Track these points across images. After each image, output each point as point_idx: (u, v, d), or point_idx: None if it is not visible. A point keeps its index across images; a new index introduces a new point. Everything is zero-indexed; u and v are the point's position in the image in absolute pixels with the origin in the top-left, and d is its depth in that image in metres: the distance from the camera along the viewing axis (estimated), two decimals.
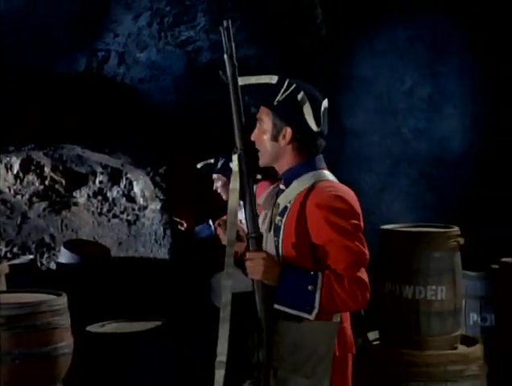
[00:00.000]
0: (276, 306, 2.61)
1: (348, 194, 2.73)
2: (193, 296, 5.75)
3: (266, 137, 2.83)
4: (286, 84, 2.75)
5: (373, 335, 4.23)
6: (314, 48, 5.93)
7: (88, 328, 3.61)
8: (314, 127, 2.74)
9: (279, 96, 2.75)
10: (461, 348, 4.10)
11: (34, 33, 5.32)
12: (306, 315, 2.61)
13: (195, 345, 4.76)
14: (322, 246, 2.66)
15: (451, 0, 6.46)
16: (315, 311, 2.60)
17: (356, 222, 2.68)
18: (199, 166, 5.10)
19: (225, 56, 2.69)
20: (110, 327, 3.76)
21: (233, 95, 2.68)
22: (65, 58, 5.45)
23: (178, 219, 5.46)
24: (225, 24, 2.66)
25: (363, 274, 2.64)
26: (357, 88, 6.46)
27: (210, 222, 5.24)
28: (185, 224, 5.43)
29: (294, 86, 2.73)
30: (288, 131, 2.77)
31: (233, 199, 2.64)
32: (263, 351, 2.60)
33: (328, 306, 2.61)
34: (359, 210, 2.73)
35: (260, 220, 2.83)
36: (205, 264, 5.70)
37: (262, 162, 2.88)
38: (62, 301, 3.14)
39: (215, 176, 5.07)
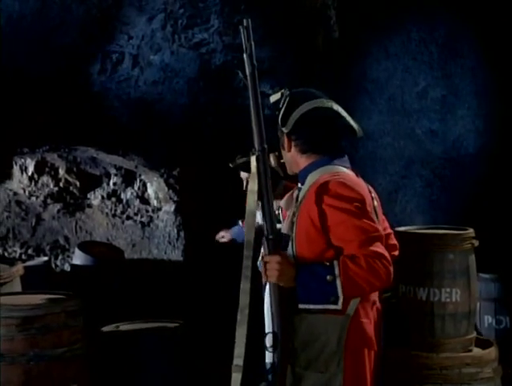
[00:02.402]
0: (301, 306, 2.60)
1: (351, 180, 2.73)
2: (207, 298, 5.76)
3: (282, 148, 2.91)
4: (285, 95, 2.80)
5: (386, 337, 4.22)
6: (327, 50, 5.92)
7: (102, 329, 3.61)
8: (283, 128, 2.78)
9: (280, 107, 2.81)
10: (476, 351, 4.08)
11: (47, 36, 5.35)
12: (333, 307, 2.60)
13: (208, 347, 4.77)
14: (332, 231, 2.66)
15: (464, 2, 6.45)
16: (341, 300, 2.59)
17: (359, 205, 2.67)
18: (232, 164, 4.98)
19: (245, 56, 2.68)
20: (124, 328, 3.77)
21: (252, 95, 2.66)
22: (79, 60, 5.47)
23: (220, 236, 5.17)
24: (244, 23, 2.65)
25: (379, 248, 2.62)
26: (371, 89, 6.46)
27: (240, 223, 5.12)
28: (225, 235, 5.17)
29: (288, 97, 2.78)
30: (285, 140, 2.84)
31: (251, 200, 2.64)
32: (278, 353, 2.60)
33: (352, 291, 2.60)
34: (365, 195, 2.72)
35: (286, 223, 2.85)
36: (219, 265, 5.70)
37: (288, 171, 2.95)
38: (76, 302, 3.15)
39: (246, 175, 4.97)
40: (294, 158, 2.85)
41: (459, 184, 6.60)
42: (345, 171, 2.80)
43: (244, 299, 2.56)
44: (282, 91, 2.85)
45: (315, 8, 5.78)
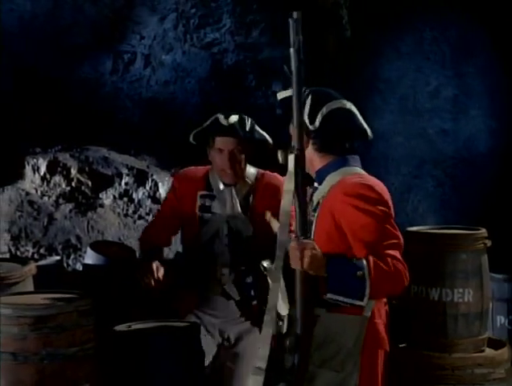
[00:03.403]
0: (329, 296, 2.59)
1: (378, 184, 2.75)
2: None
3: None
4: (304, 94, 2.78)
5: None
6: (339, 49, 5.92)
7: (114, 329, 3.62)
8: (310, 126, 2.76)
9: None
10: (488, 351, 4.07)
11: (59, 36, 5.37)
12: (358, 302, 2.60)
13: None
14: (355, 233, 2.66)
15: (476, 1, 6.43)
16: (367, 297, 2.59)
17: (385, 209, 2.68)
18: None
19: (292, 50, 2.61)
20: (136, 328, 3.77)
21: (295, 91, 2.62)
22: (91, 60, 5.49)
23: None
24: (294, 16, 2.58)
25: (398, 255, 2.64)
26: (383, 89, 6.45)
27: None
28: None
29: (307, 92, 2.76)
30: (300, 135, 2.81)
31: (287, 199, 2.61)
32: (298, 354, 2.58)
33: (377, 290, 2.60)
34: (389, 200, 2.74)
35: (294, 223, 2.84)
36: None
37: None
38: (88, 302, 3.15)
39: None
40: (309, 156, 2.83)
41: (471, 184, 6.58)
42: (365, 173, 2.81)
43: (272, 300, 2.53)
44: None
45: (327, 8, 5.78)
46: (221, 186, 3.81)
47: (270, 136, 3.72)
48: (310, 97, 2.80)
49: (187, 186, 3.86)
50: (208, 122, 3.77)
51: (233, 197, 3.80)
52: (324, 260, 2.58)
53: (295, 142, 2.63)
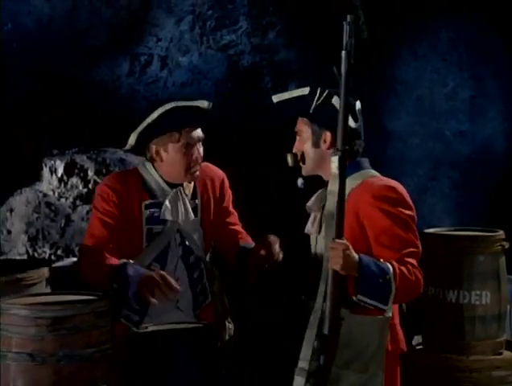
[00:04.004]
0: (359, 297, 2.60)
1: (400, 186, 2.77)
2: (239, 300, 5.74)
3: (307, 145, 2.89)
4: (318, 91, 2.80)
5: (416, 340, 4.20)
6: (356, 51, 5.91)
7: (132, 330, 3.62)
8: (352, 124, 2.78)
9: (314, 103, 2.79)
10: (506, 354, 4.06)
11: (76, 38, 5.39)
12: (382, 306, 2.61)
13: (237, 349, 4.77)
14: (377, 236, 2.68)
15: (493, 2, 6.41)
16: (391, 301, 2.61)
17: (410, 212, 2.71)
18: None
19: (343, 52, 2.62)
20: (153, 329, 3.77)
21: (342, 94, 2.62)
22: (108, 62, 5.51)
23: None
24: (348, 19, 2.59)
25: (415, 263, 2.66)
26: (399, 90, 6.43)
27: None
28: None
29: (326, 92, 2.78)
30: (328, 135, 2.84)
31: (331, 201, 2.63)
32: (324, 355, 2.59)
33: (400, 295, 2.64)
34: (411, 202, 2.76)
35: (309, 223, 2.85)
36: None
37: (307, 170, 2.92)
38: (105, 303, 3.16)
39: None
40: (324, 157, 2.84)
41: (487, 186, 6.56)
42: (380, 175, 2.83)
43: (319, 301, 2.56)
44: (306, 88, 2.85)
45: (343, 9, 5.77)
46: (168, 189, 3.38)
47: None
48: (324, 95, 2.81)
49: (127, 195, 3.35)
50: (160, 114, 3.31)
51: (183, 199, 3.42)
52: (356, 261, 2.60)
53: (338, 144, 2.62)
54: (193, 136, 3.37)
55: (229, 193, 3.62)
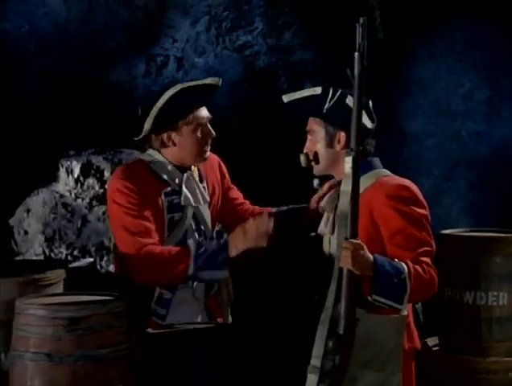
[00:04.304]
0: (374, 297, 2.60)
1: (413, 185, 2.77)
2: (252, 299, 5.75)
3: (320, 145, 2.89)
4: (331, 91, 2.80)
5: (432, 341, 4.19)
6: (371, 51, 5.90)
7: (148, 331, 3.63)
8: (369, 124, 2.78)
9: (328, 103, 2.79)
10: None
11: (93, 39, 5.42)
12: (397, 305, 2.62)
13: (250, 348, 4.76)
14: (392, 236, 2.68)
15: (509, 2, 6.38)
16: (406, 301, 2.61)
17: (423, 211, 2.72)
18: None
19: (356, 54, 2.62)
20: (168, 330, 3.79)
21: (356, 95, 2.62)
22: (124, 63, 5.53)
23: None
24: (361, 21, 2.59)
25: (430, 261, 2.67)
26: (415, 90, 6.42)
27: None
28: None
29: (340, 92, 2.77)
30: (342, 135, 2.84)
31: (344, 201, 2.63)
32: (339, 355, 2.59)
33: (415, 294, 2.65)
34: (424, 201, 2.76)
35: (322, 223, 2.85)
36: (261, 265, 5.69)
37: (319, 170, 2.92)
38: (121, 303, 3.17)
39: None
40: (337, 157, 2.85)
41: (504, 186, 6.53)
42: (392, 174, 2.83)
43: (330, 299, 2.56)
44: (318, 87, 2.85)
45: (359, 9, 5.77)
46: (180, 175, 3.28)
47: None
48: (338, 95, 2.82)
49: (144, 186, 3.24)
50: (171, 97, 3.20)
51: (197, 184, 3.36)
52: (371, 261, 2.59)
53: (352, 144, 2.61)
54: (203, 115, 3.31)
55: (226, 171, 3.60)
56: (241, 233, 3.18)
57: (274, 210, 3.49)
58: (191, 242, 3.24)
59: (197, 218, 3.37)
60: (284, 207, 3.49)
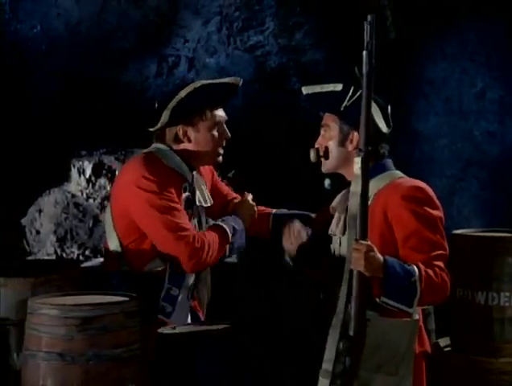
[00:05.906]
0: (383, 299, 2.59)
1: (428, 187, 2.77)
2: (259, 300, 5.75)
3: (333, 142, 2.87)
4: (352, 90, 2.78)
5: (444, 342, 4.18)
6: (383, 51, 5.90)
7: (160, 330, 3.64)
8: (384, 128, 2.77)
9: (346, 102, 2.78)
10: None
11: (105, 40, 5.43)
12: (406, 308, 2.60)
13: (258, 350, 4.76)
14: (406, 239, 2.67)
15: None
16: (416, 304, 2.60)
17: (437, 213, 2.70)
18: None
19: (364, 53, 2.59)
20: (181, 330, 3.80)
21: (365, 95, 2.60)
22: (136, 64, 5.55)
23: None
24: (369, 19, 2.57)
25: (443, 265, 2.65)
26: (427, 90, 6.40)
27: None
28: None
29: (360, 92, 2.76)
30: (355, 135, 2.82)
31: (354, 202, 2.61)
32: (350, 357, 2.58)
33: (426, 298, 2.63)
34: (439, 203, 2.76)
35: (333, 224, 2.84)
36: (268, 267, 5.70)
37: (327, 167, 2.91)
38: (134, 303, 3.18)
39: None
40: (348, 157, 2.84)
41: None
42: (406, 176, 2.83)
43: (341, 303, 2.55)
44: (339, 84, 2.84)
45: (370, 9, 5.76)
46: (189, 172, 3.27)
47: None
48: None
49: (169, 175, 3.21)
50: (191, 91, 3.19)
51: (204, 183, 3.39)
52: (381, 263, 2.58)
53: (361, 145, 2.60)
54: (221, 114, 3.30)
55: (214, 170, 3.61)
56: (240, 213, 3.34)
57: (273, 211, 3.54)
58: (223, 223, 3.28)
59: (200, 217, 3.39)
60: (285, 211, 3.49)
